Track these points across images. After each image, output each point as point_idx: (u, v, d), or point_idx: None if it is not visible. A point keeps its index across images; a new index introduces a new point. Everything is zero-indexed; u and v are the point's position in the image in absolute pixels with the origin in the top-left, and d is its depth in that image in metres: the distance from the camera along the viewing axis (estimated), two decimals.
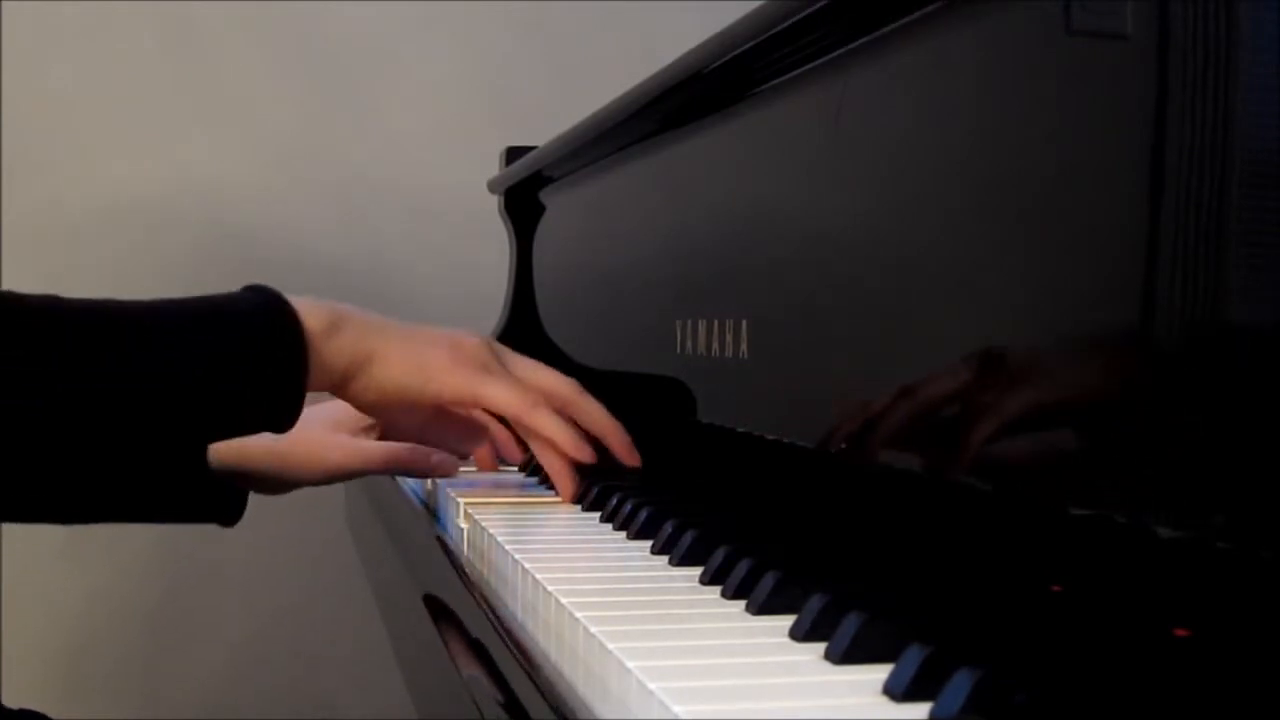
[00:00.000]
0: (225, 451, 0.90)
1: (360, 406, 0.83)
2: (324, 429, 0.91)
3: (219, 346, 0.74)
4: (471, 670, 0.62)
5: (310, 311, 0.78)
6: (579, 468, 0.87)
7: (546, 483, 0.93)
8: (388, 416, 0.89)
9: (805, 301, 0.75)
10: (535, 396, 0.85)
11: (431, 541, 0.86)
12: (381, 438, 0.95)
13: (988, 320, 0.57)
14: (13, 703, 0.95)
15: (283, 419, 0.77)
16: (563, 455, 0.86)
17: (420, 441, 0.92)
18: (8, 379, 0.69)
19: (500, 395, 0.84)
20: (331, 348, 0.79)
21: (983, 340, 0.58)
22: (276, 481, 0.94)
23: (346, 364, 0.80)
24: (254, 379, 0.75)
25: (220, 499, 0.93)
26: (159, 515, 0.92)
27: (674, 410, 0.93)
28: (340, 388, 0.81)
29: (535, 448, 0.88)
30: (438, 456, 0.92)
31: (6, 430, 0.69)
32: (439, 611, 0.77)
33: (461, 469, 0.97)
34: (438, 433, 0.90)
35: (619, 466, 0.88)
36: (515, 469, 1.05)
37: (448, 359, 0.83)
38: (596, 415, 0.87)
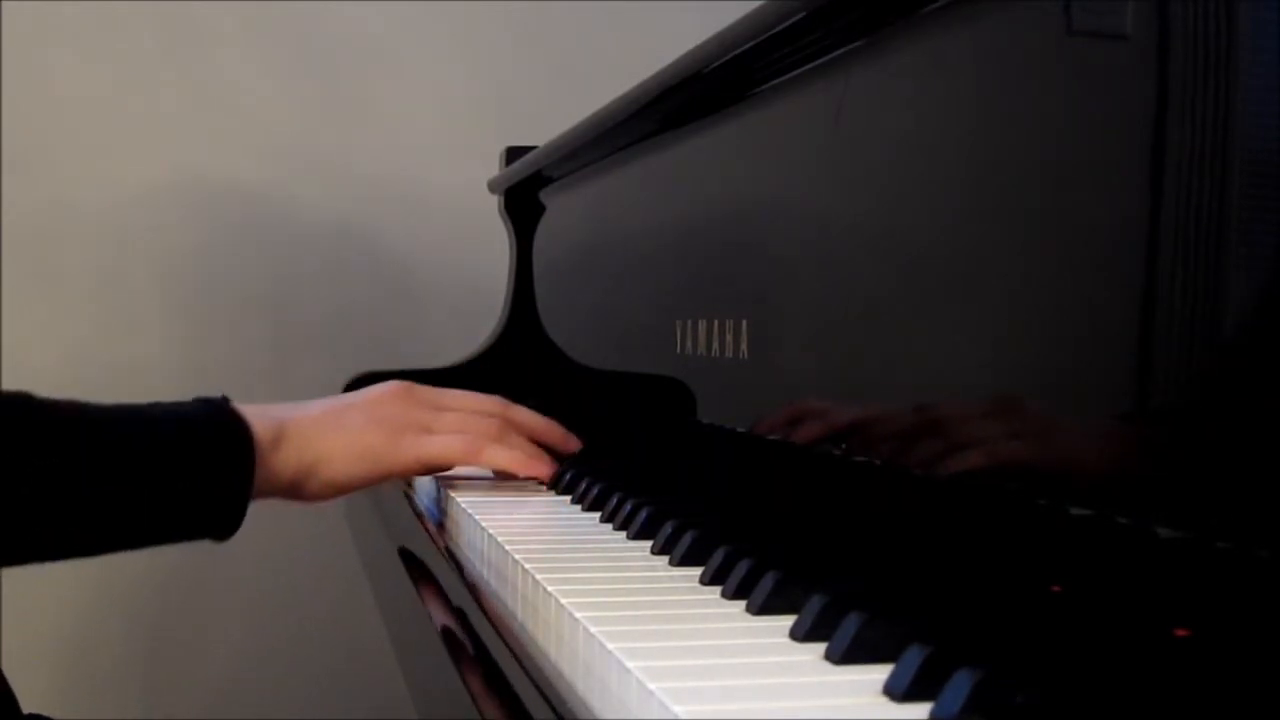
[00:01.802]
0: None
1: (319, 500, 0.87)
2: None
3: (169, 459, 0.77)
4: (471, 670, 0.62)
5: (257, 423, 0.80)
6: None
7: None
8: None
9: (805, 301, 0.75)
10: (474, 438, 0.89)
11: (430, 541, 0.86)
12: None
13: (987, 319, 0.57)
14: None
15: (225, 528, 0.80)
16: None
17: None
18: None
19: (444, 452, 0.88)
20: (278, 459, 0.82)
21: (982, 340, 0.58)
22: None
23: (294, 472, 0.83)
24: (200, 489, 0.77)
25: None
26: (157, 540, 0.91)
27: (674, 410, 0.93)
28: (293, 492, 0.84)
29: (496, 473, 0.95)
30: None
31: None
32: (437, 610, 0.77)
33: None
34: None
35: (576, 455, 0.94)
36: None
37: (386, 436, 0.86)
38: (528, 422, 0.93)
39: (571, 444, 0.94)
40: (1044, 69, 0.54)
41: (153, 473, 0.76)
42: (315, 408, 0.86)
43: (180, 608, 1.75)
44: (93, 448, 0.75)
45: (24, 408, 0.74)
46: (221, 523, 0.79)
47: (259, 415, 0.81)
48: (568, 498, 0.89)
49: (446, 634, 0.70)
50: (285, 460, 0.82)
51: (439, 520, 0.92)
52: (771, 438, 0.77)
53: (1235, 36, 0.44)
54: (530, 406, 0.97)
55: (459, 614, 0.71)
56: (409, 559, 0.92)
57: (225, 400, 0.81)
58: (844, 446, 0.68)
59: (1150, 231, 0.47)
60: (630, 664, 0.46)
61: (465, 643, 0.67)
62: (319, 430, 0.84)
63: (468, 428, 0.90)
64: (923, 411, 0.61)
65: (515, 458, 0.90)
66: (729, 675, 0.46)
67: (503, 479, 0.96)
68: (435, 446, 0.88)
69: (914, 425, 0.62)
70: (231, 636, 1.76)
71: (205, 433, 0.78)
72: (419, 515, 0.95)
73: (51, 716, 0.93)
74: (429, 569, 0.84)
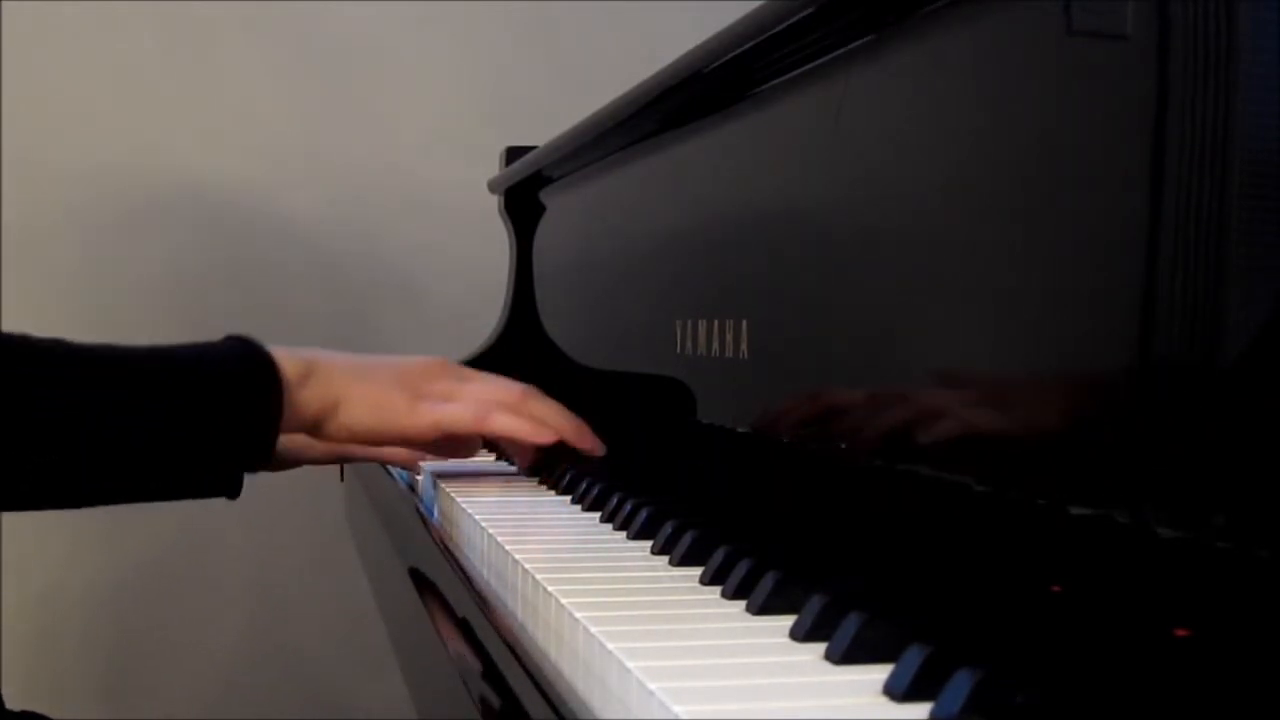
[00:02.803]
0: None
1: (334, 445, 0.91)
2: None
3: (201, 392, 0.80)
4: (471, 670, 0.62)
5: (285, 360, 0.84)
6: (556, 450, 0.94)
7: (537, 475, 0.97)
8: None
9: (805, 301, 0.75)
10: (486, 406, 0.91)
11: (430, 542, 0.86)
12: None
13: (988, 319, 0.57)
14: (9, 703, 0.95)
15: (255, 461, 0.83)
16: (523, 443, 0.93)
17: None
18: (18, 412, 0.75)
19: (454, 417, 0.90)
20: (304, 395, 0.85)
21: (983, 340, 0.58)
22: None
23: (317, 410, 0.86)
24: (231, 423, 0.81)
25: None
26: (168, 496, 0.92)
27: (674, 410, 0.93)
28: (313, 431, 0.88)
29: (503, 446, 0.99)
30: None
31: (12, 457, 0.75)
32: (437, 611, 0.77)
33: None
34: (434, 449, 0.97)
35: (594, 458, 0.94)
36: (503, 460, 1.10)
37: (408, 397, 0.89)
38: (548, 415, 0.93)
39: (595, 450, 0.94)
40: (1044, 69, 0.54)
41: (188, 407, 0.79)
42: (347, 357, 0.90)
43: (179, 608, 1.75)
44: (130, 385, 0.78)
45: (59, 351, 0.78)
46: (253, 454, 0.82)
47: (288, 354, 0.85)
48: (568, 498, 0.89)
49: (446, 634, 0.70)
50: (311, 396, 0.85)
51: (439, 520, 0.92)
52: (774, 435, 0.77)
53: (1235, 36, 0.44)
54: None
55: (458, 614, 0.71)
56: (408, 559, 0.92)
57: (251, 339, 0.85)
58: (844, 445, 0.68)
59: (1150, 231, 0.47)
60: (630, 664, 0.46)
61: (465, 642, 0.67)
62: (345, 375, 0.88)
63: (485, 398, 0.91)
64: (923, 411, 0.61)
65: (522, 425, 0.91)
66: (729, 675, 0.46)
67: (501, 474, 0.95)
68: (448, 412, 0.90)
69: (914, 425, 0.62)
70: (230, 636, 1.76)
71: (236, 368, 0.82)
72: (419, 515, 0.95)
73: (44, 715, 0.93)
74: (429, 569, 0.84)
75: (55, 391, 0.76)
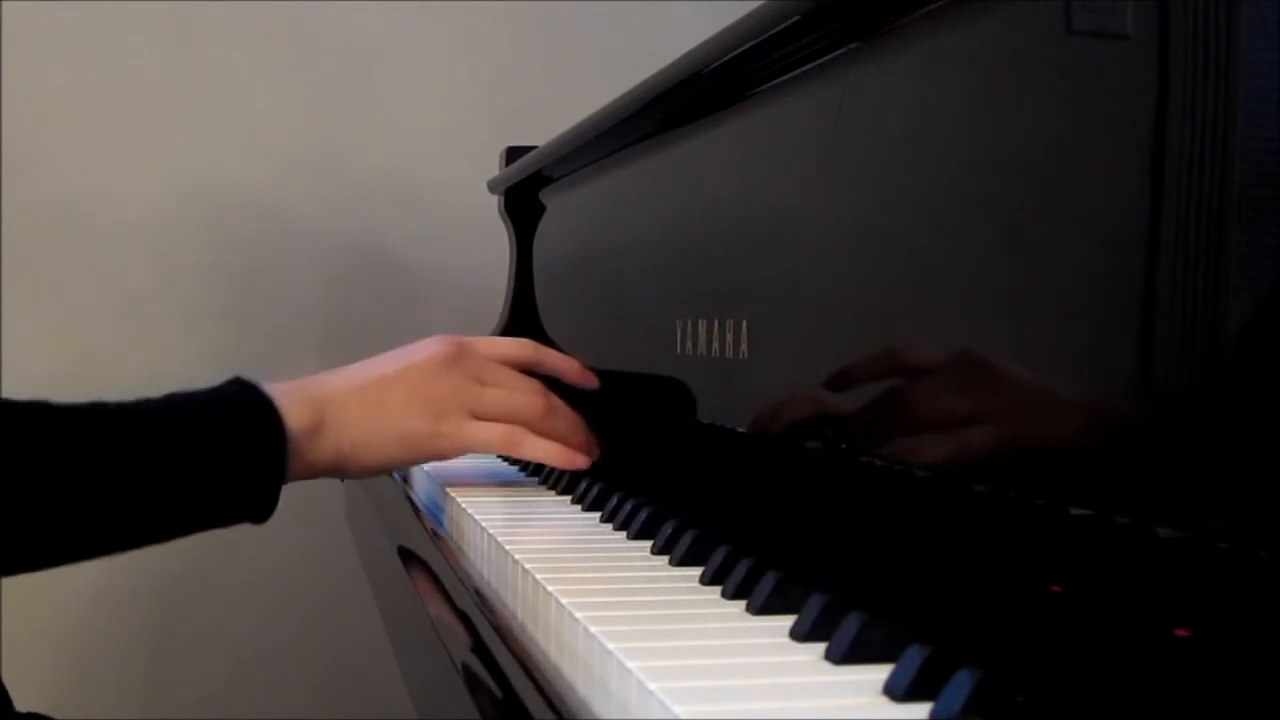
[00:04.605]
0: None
1: (360, 478, 0.89)
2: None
3: (203, 449, 0.77)
4: (470, 670, 0.62)
5: (293, 410, 0.80)
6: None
7: (537, 475, 0.96)
8: None
9: (805, 301, 0.75)
10: (514, 431, 0.88)
11: (429, 541, 0.86)
12: None
13: (987, 320, 0.57)
14: (17, 705, 0.95)
15: (259, 515, 0.81)
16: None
17: None
18: (33, 475, 0.73)
19: (483, 442, 0.88)
20: (314, 447, 0.82)
21: (982, 340, 0.58)
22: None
23: (331, 459, 0.83)
24: (235, 481, 0.78)
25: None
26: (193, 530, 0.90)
27: (674, 410, 0.93)
28: (331, 473, 0.85)
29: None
30: None
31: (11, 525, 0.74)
32: (437, 611, 0.77)
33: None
34: None
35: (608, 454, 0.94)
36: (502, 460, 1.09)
37: (427, 422, 0.85)
38: (556, 362, 0.96)
39: (587, 383, 0.98)
40: (1044, 69, 0.54)
41: (184, 471, 0.77)
42: (358, 379, 0.85)
43: (180, 608, 1.75)
44: (120, 450, 0.75)
45: (44, 415, 0.75)
46: (254, 512, 0.80)
47: (296, 400, 0.81)
48: (568, 498, 0.89)
49: (446, 634, 0.70)
50: (323, 447, 0.82)
51: (439, 520, 0.92)
52: (772, 436, 0.77)
53: (1235, 36, 0.44)
54: None
55: (458, 614, 0.71)
56: (408, 558, 0.92)
57: (258, 388, 0.81)
58: (844, 445, 0.68)
59: (1150, 231, 0.47)
60: (630, 664, 0.46)
61: (464, 643, 0.67)
62: (360, 412, 0.84)
63: (510, 412, 0.88)
64: (923, 411, 0.61)
65: (553, 452, 0.89)
66: (729, 675, 0.46)
67: (501, 475, 0.95)
68: (476, 437, 0.87)
69: (915, 425, 0.62)
70: (231, 636, 1.76)
71: (236, 428, 0.78)
72: (418, 515, 0.95)
73: (49, 715, 0.93)
74: (428, 569, 0.84)
75: (38, 459, 0.73)
